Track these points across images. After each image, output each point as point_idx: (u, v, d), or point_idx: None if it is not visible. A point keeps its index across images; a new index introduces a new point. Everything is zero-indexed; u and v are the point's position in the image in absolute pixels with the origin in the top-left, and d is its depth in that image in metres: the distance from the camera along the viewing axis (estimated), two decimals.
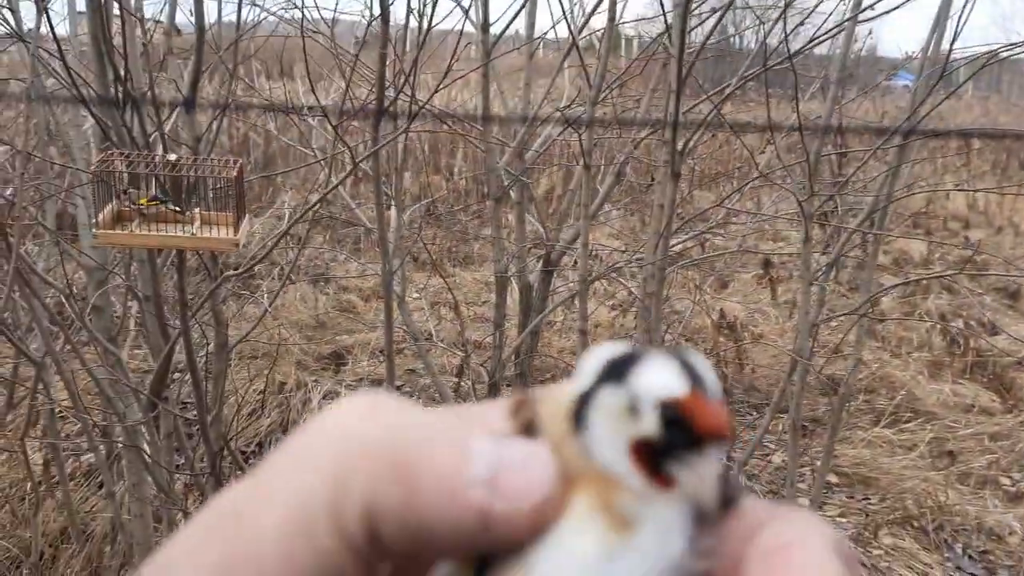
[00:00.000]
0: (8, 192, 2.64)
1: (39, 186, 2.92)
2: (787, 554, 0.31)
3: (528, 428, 0.35)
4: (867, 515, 3.48)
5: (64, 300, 2.50)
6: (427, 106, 2.29)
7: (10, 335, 2.22)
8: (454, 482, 0.31)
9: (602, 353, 0.35)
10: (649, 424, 0.32)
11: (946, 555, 3.29)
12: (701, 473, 0.31)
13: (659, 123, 2.33)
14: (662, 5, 2.22)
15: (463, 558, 0.34)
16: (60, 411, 2.83)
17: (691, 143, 2.67)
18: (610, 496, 0.32)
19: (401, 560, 0.33)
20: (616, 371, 0.34)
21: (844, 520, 3.46)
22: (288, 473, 0.33)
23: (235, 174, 1.58)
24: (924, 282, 5.61)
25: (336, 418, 0.34)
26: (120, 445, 2.53)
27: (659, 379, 0.32)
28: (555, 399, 0.35)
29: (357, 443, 0.32)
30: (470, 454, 0.32)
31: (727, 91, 2.65)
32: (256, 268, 4.82)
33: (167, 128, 2.31)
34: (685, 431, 0.31)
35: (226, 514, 0.33)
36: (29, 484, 2.75)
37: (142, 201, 1.65)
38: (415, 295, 5.08)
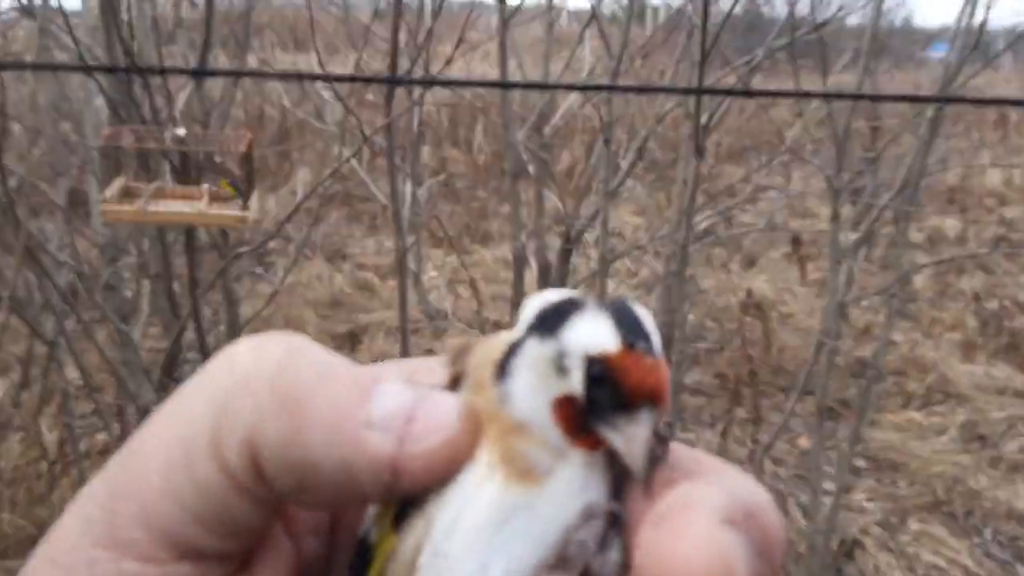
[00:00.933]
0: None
1: (51, 163, 2.93)
2: (674, 522, 0.29)
3: (459, 378, 0.33)
4: (895, 500, 3.45)
5: (76, 278, 2.51)
6: (443, 77, 2.27)
7: (22, 314, 2.24)
8: (345, 420, 0.29)
9: (539, 300, 0.33)
10: (575, 381, 0.30)
11: (975, 541, 3.26)
12: (629, 436, 0.29)
13: (687, 90, 2.30)
14: None
15: (361, 505, 0.33)
16: (73, 390, 2.85)
17: (717, 116, 2.63)
18: (517, 448, 0.31)
19: (295, 502, 0.31)
20: (548, 321, 0.32)
21: (871, 505, 3.43)
22: (177, 407, 0.32)
23: (244, 149, 1.57)
24: (958, 261, 5.54)
25: (232, 354, 0.32)
26: (133, 424, 2.55)
27: (589, 332, 0.30)
28: (488, 347, 0.33)
29: (244, 375, 0.31)
30: (368, 394, 0.30)
31: (754, 62, 2.61)
32: (271, 246, 4.83)
33: (179, 102, 2.31)
34: (613, 390, 0.29)
35: (123, 454, 0.32)
36: (44, 463, 2.78)
37: (223, 184, 1.64)
38: (432, 273, 5.07)
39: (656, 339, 0.31)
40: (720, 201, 3.70)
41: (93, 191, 2.61)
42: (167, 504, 0.30)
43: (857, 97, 2.30)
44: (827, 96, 2.20)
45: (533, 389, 0.31)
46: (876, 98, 2.87)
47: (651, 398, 0.30)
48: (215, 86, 2.60)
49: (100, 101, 2.92)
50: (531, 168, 3.12)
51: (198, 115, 2.12)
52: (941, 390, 4.35)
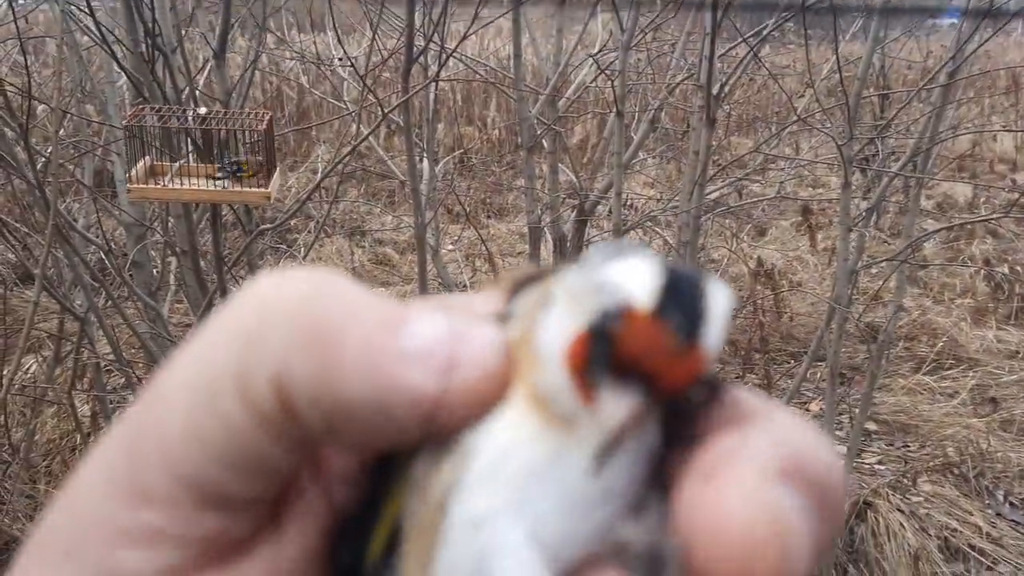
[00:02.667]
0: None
1: (76, 143, 2.95)
2: (719, 477, 0.26)
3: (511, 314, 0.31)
4: (906, 462, 3.45)
5: (104, 256, 2.53)
6: (457, 54, 2.26)
7: (54, 291, 2.26)
8: (378, 354, 0.28)
9: (616, 249, 0.30)
10: (588, 324, 0.27)
11: (987, 502, 3.26)
12: (607, 405, 0.27)
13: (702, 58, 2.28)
14: None
15: (396, 446, 0.30)
16: (105, 365, 2.89)
17: (727, 87, 2.61)
18: (542, 386, 0.28)
19: (327, 442, 0.30)
20: (608, 255, 0.29)
21: (883, 467, 3.44)
22: (199, 347, 0.29)
23: (264, 127, 1.57)
24: (968, 227, 5.49)
25: (255, 289, 0.30)
26: None
27: (631, 277, 0.27)
28: (549, 285, 0.30)
29: (269, 309, 0.28)
30: (401, 325, 0.28)
31: (764, 33, 2.58)
32: (293, 222, 4.85)
33: (199, 82, 2.31)
34: (609, 351, 0.27)
35: (144, 399, 0.30)
36: (78, 435, 2.82)
37: (243, 164, 1.65)
38: (449, 247, 5.08)
39: (710, 333, 0.27)
40: (731, 172, 3.67)
41: (118, 171, 2.62)
42: (191, 447, 0.28)
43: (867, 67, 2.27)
44: (840, 67, 2.17)
45: (561, 320, 0.28)
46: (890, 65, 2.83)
47: (645, 379, 0.26)
48: (235, 66, 2.60)
49: (122, 82, 2.93)
50: (545, 142, 3.11)
51: (219, 95, 2.13)
52: (952, 355, 4.33)
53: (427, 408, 0.28)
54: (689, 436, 0.28)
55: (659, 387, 0.27)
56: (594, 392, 0.27)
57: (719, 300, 0.27)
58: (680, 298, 0.27)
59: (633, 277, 0.27)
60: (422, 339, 0.28)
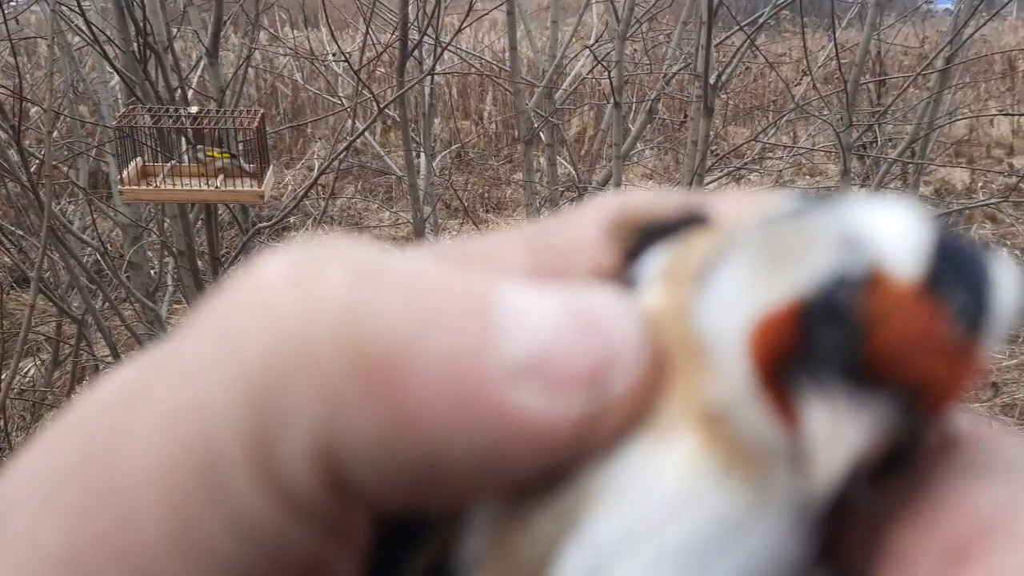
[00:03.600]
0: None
1: (70, 144, 2.92)
2: (981, 559, 0.17)
3: (625, 265, 0.21)
4: None
5: (100, 258, 2.51)
6: (452, 47, 2.24)
7: (50, 294, 2.24)
8: (471, 382, 0.19)
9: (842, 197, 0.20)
10: (806, 294, 0.17)
11: None
12: (835, 427, 0.17)
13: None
14: None
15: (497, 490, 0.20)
16: (104, 367, 2.87)
17: (724, 76, 2.58)
18: (711, 398, 0.19)
19: (395, 508, 0.21)
20: (841, 202, 0.19)
21: None
22: (172, 391, 0.20)
23: (257, 125, 1.55)
24: (967, 212, 5.47)
25: (255, 287, 0.20)
26: None
27: (888, 230, 0.18)
28: (715, 236, 0.20)
29: (290, 332, 0.19)
30: (492, 320, 0.19)
31: (760, 21, 2.55)
32: (290, 220, 4.83)
33: (192, 81, 2.29)
34: (851, 339, 0.17)
35: (74, 473, 0.20)
36: None
37: (213, 154, 1.62)
38: (449, 242, 5.06)
39: (995, 320, 0.18)
40: (729, 162, 3.65)
41: (113, 171, 2.60)
42: (177, 560, 0.19)
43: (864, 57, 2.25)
44: (837, 56, 2.15)
45: (748, 287, 0.18)
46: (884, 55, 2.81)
47: (912, 387, 0.17)
48: (228, 64, 2.57)
49: (115, 82, 2.90)
50: (543, 135, 3.09)
51: (212, 93, 2.10)
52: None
53: (560, 445, 0.19)
54: (897, 481, 0.19)
55: (924, 402, 0.17)
56: (803, 408, 0.17)
57: (1007, 282, 0.18)
58: (960, 270, 0.18)
59: (889, 229, 0.18)
60: (533, 337, 0.19)
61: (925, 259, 0.17)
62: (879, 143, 3.75)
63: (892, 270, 0.17)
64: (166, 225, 2.44)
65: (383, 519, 0.22)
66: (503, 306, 0.19)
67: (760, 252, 0.18)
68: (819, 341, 0.17)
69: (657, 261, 0.21)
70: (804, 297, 0.17)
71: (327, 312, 0.19)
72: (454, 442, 0.19)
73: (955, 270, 0.17)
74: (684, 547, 0.18)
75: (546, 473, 0.20)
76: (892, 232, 0.18)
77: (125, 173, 1.60)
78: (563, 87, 3.20)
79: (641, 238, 0.22)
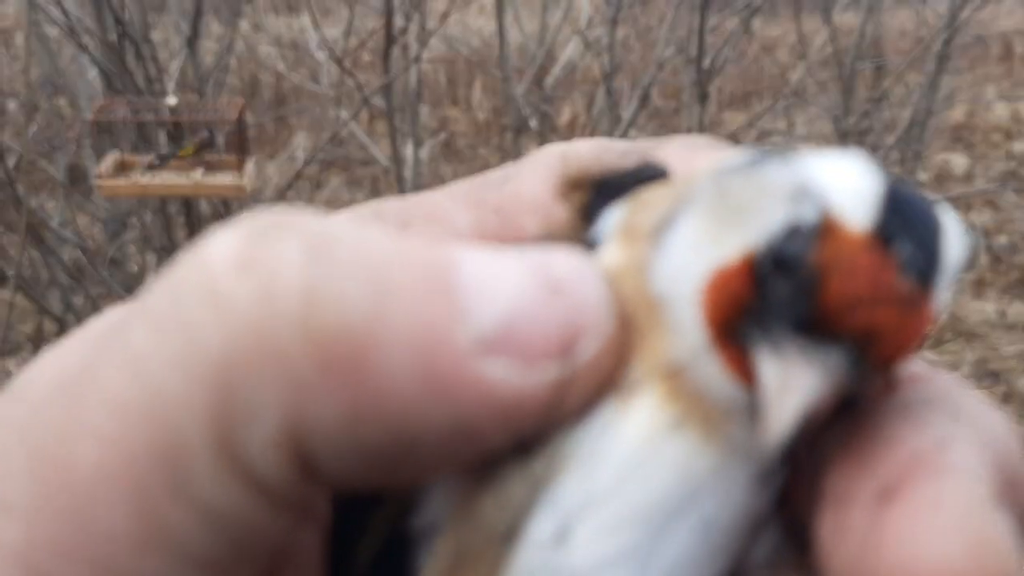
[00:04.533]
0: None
1: (49, 138, 2.90)
2: (908, 494, 0.18)
3: (580, 224, 0.21)
4: None
5: (82, 254, 2.49)
6: (439, 33, 2.23)
7: (30, 292, 2.22)
8: (439, 357, 0.18)
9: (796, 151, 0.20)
10: (759, 245, 0.17)
11: None
12: (787, 379, 0.17)
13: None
14: None
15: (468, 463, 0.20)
16: None
17: (718, 61, 2.57)
18: (671, 354, 0.18)
19: (366, 487, 0.20)
20: (794, 155, 0.19)
21: None
22: (129, 376, 0.19)
23: (236, 116, 1.54)
24: (966, 197, 5.48)
25: (206, 268, 0.19)
26: None
27: (842, 181, 0.17)
28: (673, 189, 0.20)
29: (248, 320, 0.18)
30: (455, 291, 0.18)
31: (755, 4, 2.55)
32: None
33: (172, 71, 2.27)
34: (804, 292, 0.17)
35: (27, 475, 0.19)
36: None
37: (189, 150, 1.61)
38: None
39: (946, 272, 0.18)
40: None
41: (92, 166, 2.58)
42: (144, 555, 0.19)
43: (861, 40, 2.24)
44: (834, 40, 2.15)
45: (704, 239, 0.18)
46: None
47: (863, 337, 0.17)
48: (209, 53, 2.55)
49: (94, 74, 2.88)
50: (533, 123, 3.07)
51: (192, 83, 2.09)
52: (951, 328, 4.33)
53: (532, 415, 0.19)
54: (838, 428, 0.19)
55: (875, 353, 0.17)
56: (756, 362, 0.17)
57: (955, 234, 0.18)
58: (910, 221, 0.17)
59: (839, 181, 0.18)
60: (498, 308, 0.18)
61: (875, 210, 0.17)
62: (876, 129, 3.76)
63: (842, 220, 0.17)
64: (148, 220, 2.42)
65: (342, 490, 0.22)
66: (464, 276, 0.19)
67: (712, 207, 0.18)
68: (770, 293, 0.17)
69: (614, 218, 0.20)
70: (755, 250, 0.17)
71: (284, 295, 0.18)
72: (424, 420, 0.18)
73: (905, 221, 0.17)
74: (644, 506, 0.18)
75: (517, 439, 0.19)
76: (842, 183, 0.18)
77: (102, 167, 1.58)
78: (553, 73, 3.19)
79: (596, 194, 0.21)
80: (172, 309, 0.19)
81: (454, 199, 0.24)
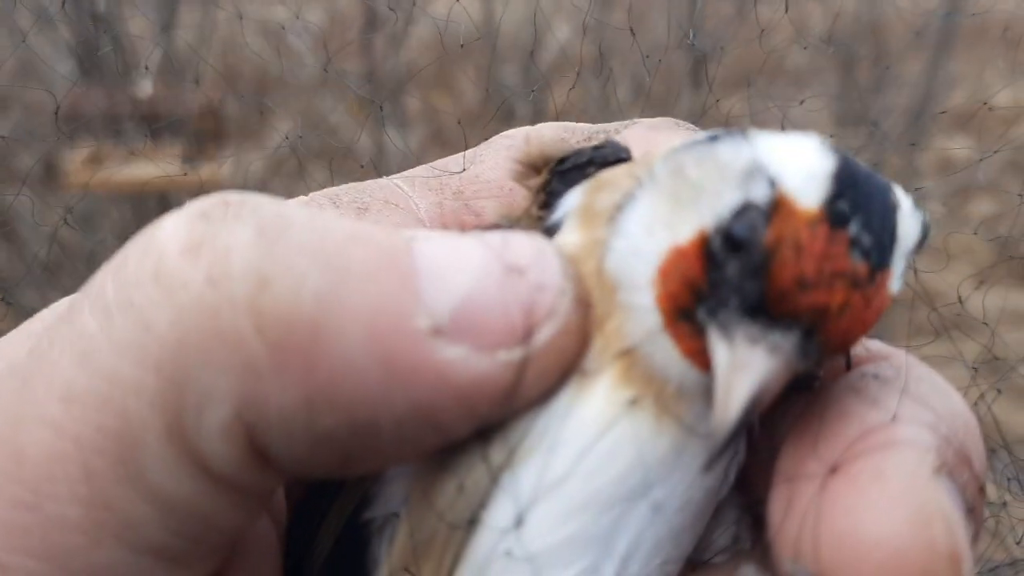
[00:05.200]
0: None
1: (21, 130, 2.87)
2: (857, 467, 0.18)
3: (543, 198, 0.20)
4: None
5: (57, 249, 2.47)
6: (427, 19, 2.21)
7: (3, 287, 2.20)
8: (396, 341, 0.17)
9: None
10: (710, 224, 0.16)
11: (991, 466, 3.29)
12: (739, 361, 0.16)
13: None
14: None
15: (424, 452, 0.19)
16: None
17: (717, 46, 2.56)
18: (624, 332, 0.18)
19: (319, 475, 0.20)
20: (751, 135, 0.18)
21: None
22: (78, 362, 0.18)
23: (213, 106, 1.52)
24: (967, 186, 5.51)
25: (157, 253, 0.18)
26: None
27: (793, 160, 0.16)
28: (630, 169, 0.19)
29: (200, 304, 0.17)
30: (412, 273, 0.18)
31: None
32: None
33: (149, 59, 2.25)
34: (753, 272, 0.16)
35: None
36: None
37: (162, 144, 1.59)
38: None
39: (895, 250, 0.16)
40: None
41: (64, 158, 2.56)
42: (98, 542, 0.18)
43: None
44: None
45: (653, 223, 0.17)
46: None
47: (814, 318, 0.16)
48: (186, 41, 2.53)
49: (68, 64, 2.85)
50: (524, 109, 3.06)
51: (169, 72, 2.07)
52: (953, 317, 4.35)
53: (492, 399, 0.18)
54: (793, 407, 0.18)
55: (827, 332, 0.16)
56: (695, 332, 0.16)
57: (909, 213, 0.17)
58: (862, 200, 0.16)
59: (791, 160, 0.16)
60: (455, 291, 0.17)
61: (827, 189, 0.16)
62: (876, 115, 3.75)
63: (793, 200, 0.16)
64: (125, 214, 2.40)
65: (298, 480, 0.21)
66: (420, 259, 0.18)
67: (667, 188, 0.17)
68: (722, 274, 0.16)
69: (573, 200, 0.20)
70: (707, 229, 0.17)
71: (235, 278, 0.17)
72: (380, 405, 0.17)
73: (857, 200, 0.16)
74: (600, 490, 0.17)
75: (477, 425, 0.18)
76: (794, 163, 0.17)
77: (74, 160, 1.56)
78: (544, 58, 3.17)
79: (556, 177, 0.21)
80: (121, 293, 0.18)
81: (411, 182, 0.23)
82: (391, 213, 0.22)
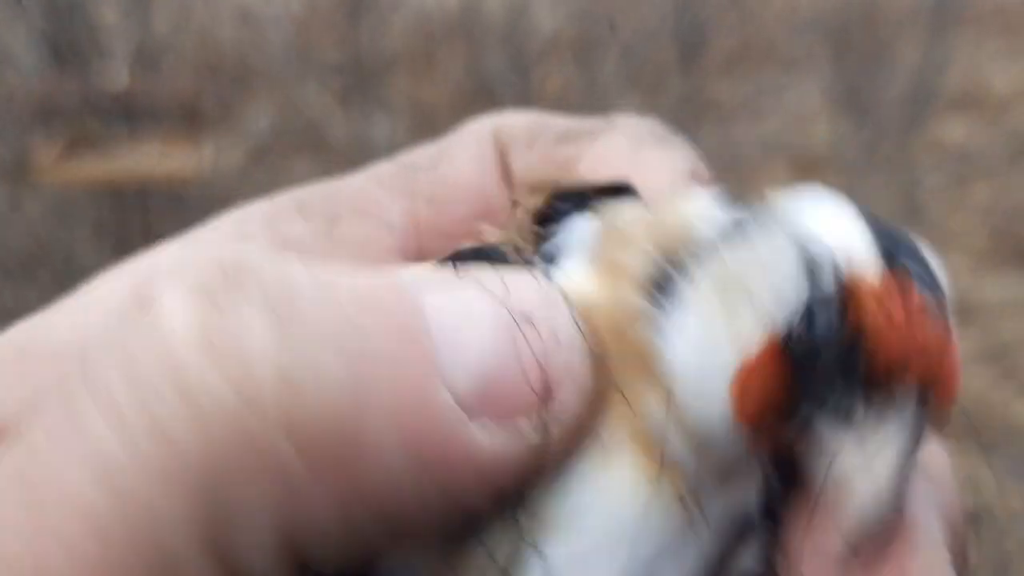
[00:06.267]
0: None
1: None
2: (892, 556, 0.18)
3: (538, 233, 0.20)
4: None
5: (32, 245, 2.47)
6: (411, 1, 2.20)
7: None
8: (429, 429, 0.17)
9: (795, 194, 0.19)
10: (781, 327, 0.16)
11: (990, 455, 3.30)
12: (873, 449, 0.17)
13: None
14: None
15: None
16: None
17: (709, 25, 2.57)
18: (653, 420, 0.18)
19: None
20: (762, 206, 0.19)
21: None
22: (93, 477, 0.17)
23: (190, 94, 1.52)
24: (965, 170, 5.53)
25: (165, 342, 0.18)
26: None
27: (834, 235, 0.17)
28: (662, 210, 0.20)
29: (228, 412, 0.17)
30: (430, 340, 0.18)
31: None
32: (234, 196, 4.78)
33: (123, 44, 2.24)
34: (849, 358, 0.16)
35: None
36: None
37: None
38: None
39: (943, 285, 0.18)
40: (712, 118, 3.65)
41: (36, 149, 2.55)
42: None
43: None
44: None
45: (709, 328, 0.18)
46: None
47: (926, 378, 0.17)
48: (162, 26, 2.52)
49: (34, 62, 2.83)
50: (513, 93, 3.06)
51: (145, 61, 2.06)
52: (953, 304, 4.38)
53: (514, 473, 0.18)
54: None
55: (938, 391, 0.17)
56: (821, 440, 0.17)
57: (934, 258, 0.18)
58: (908, 258, 0.17)
59: (835, 232, 0.17)
60: (473, 360, 0.18)
61: (875, 247, 0.17)
62: (872, 98, 3.76)
63: (860, 275, 0.17)
64: (101, 207, 2.40)
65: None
66: (431, 319, 0.18)
67: (719, 285, 0.18)
68: (814, 372, 0.17)
69: (579, 234, 0.20)
70: (781, 332, 0.17)
71: (259, 381, 0.17)
72: (412, 494, 0.18)
73: (905, 259, 0.17)
74: (624, 568, 0.18)
75: (496, 497, 0.19)
76: (841, 235, 0.17)
77: (45, 151, 1.56)
78: (532, 42, 3.17)
79: (554, 200, 0.21)
80: (134, 397, 0.18)
81: (382, 185, 0.23)
82: (363, 224, 0.22)
